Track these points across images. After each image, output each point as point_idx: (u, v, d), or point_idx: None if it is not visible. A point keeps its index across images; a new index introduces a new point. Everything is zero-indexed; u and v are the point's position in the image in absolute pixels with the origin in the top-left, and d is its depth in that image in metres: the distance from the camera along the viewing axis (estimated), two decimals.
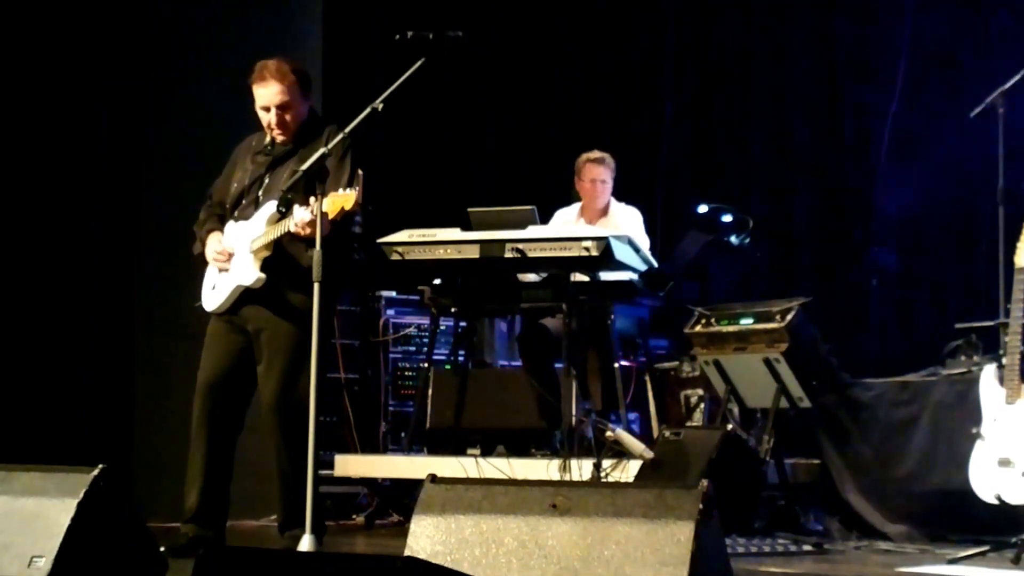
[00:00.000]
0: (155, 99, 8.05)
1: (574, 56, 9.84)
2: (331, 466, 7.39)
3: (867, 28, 8.79)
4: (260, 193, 5.61)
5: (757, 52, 9.30)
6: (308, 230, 5.24)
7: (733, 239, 8.16)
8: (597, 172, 7.60)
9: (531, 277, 7.29)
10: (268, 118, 5.58)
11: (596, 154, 7.65)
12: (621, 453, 6.38)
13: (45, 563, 3.86)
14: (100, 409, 7.90)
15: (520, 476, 6.52)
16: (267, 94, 5.56)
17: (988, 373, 5.71)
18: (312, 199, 5.22)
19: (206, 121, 7.56)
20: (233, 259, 5.59)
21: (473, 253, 6.90)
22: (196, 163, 6.45)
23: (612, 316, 7.08)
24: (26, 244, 7.71)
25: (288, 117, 5.57)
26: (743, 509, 6.25)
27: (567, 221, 7.58)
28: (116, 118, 8.06)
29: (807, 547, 6.17)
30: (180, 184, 7.10)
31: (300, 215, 5.30)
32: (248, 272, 5.53)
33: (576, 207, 7.66)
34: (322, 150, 5.27)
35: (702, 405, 7.46)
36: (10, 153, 7.70)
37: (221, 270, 5.62)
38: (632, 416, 7.42)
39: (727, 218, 8.29)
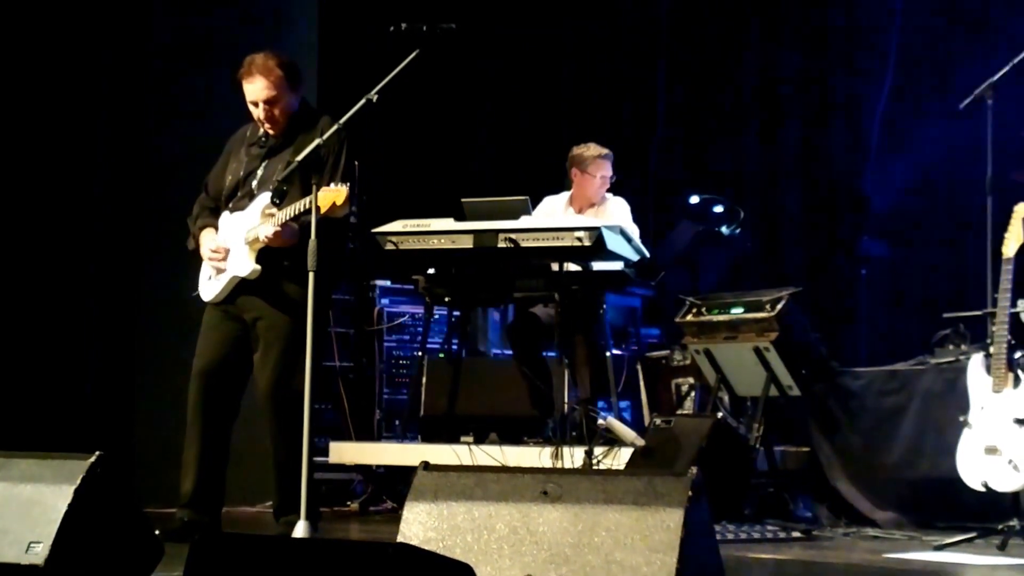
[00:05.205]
0: (153, 93, 8.08)
1: (567, 47, 9.85)
2: (326, 453, 7.45)
3: (857, 19, 8.82)
4: (255, 185, 5.65)
5: (749, 44, 9.32)
6: (277, 242, 5.40)
7: (724, 229, 8.19)
8: (607, 168, 7.55)
9: None
10: (257, 112, 5.62)
11: (604, 150, 7.57)
12: (613, 441, 6.43)
13: (43, 549, 3.87)
14: (100, 396, 7.94)
15: (512, 463, 6.55)
16: (254, 89, 5.59)
17: (976, 362, 5.76)
18: (301, 192, 5.30)
19: (204, 113, 7.59)
20: (229, 251, 5.63)
21: (467, 243, 6.94)
22: (195, 155, 6.48)
23: (604, 305, 7.12)
24: (30, 237, 7.75)
25: (276, 111, 5.60)
26: (733, 496, 6.30)
27: (555, 209, 7.57)
28: (115, 113, 8.09)
29: (796, 534, 6.20)
30: (180, 176, 7.14)
31: (264, 231, 5.40)
32: (244, 263, 5.57)
33: (565, 196, 7.65)
34: (316, 141, 5.31)
35: (693, 393, 7.50)
36: (14, 150, 7.73)
37: (219, 271, 5.67)
38: (623, 404, 7.46)
39: (718, 208, 8.32)
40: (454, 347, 7.67)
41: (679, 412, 7.38)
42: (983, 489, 5.63)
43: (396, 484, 7.38)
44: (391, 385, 8.23)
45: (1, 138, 7.71)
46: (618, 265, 7.09)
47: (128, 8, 8.09)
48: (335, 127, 5.36)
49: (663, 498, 3.44)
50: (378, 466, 7.59)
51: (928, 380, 6.54)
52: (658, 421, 6.47)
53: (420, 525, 3.64)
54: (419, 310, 8.07)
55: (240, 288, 5.64)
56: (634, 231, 7.21)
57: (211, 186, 5.82)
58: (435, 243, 7.01)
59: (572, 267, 7.10)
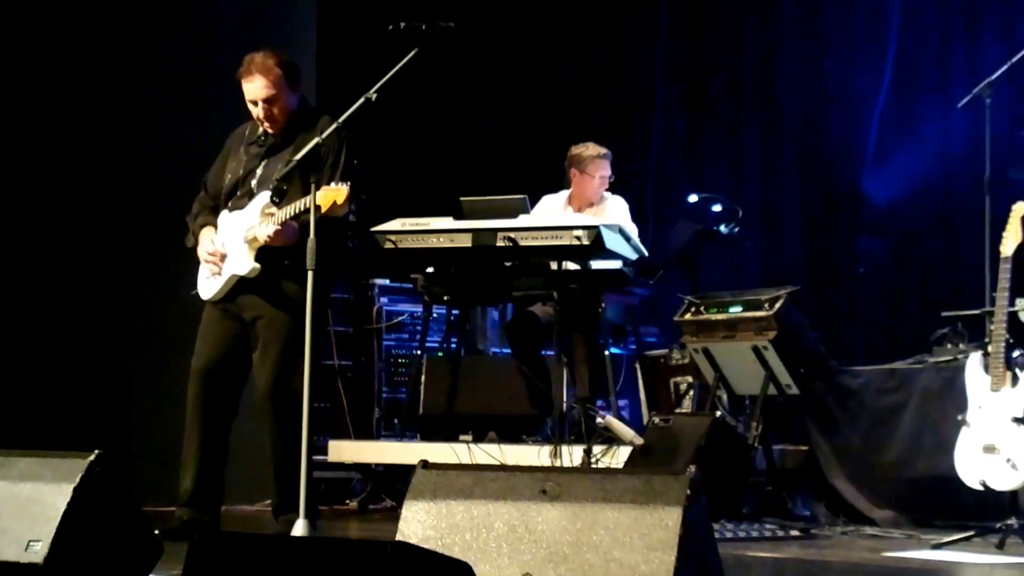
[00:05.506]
0: (153, 92, 8.09)
1: (567, 45, 9.86)
2: (325, 451, 7.46)
3: (856, 18, 8.83)
4: (254, 183, 5.65)
5: (748, 42, 9.34)
6: (277, 241, 5.40)
7: (723, 228, 8.19)
8: (605, 168, 7.55)
9: None
10: (256, 111, 5.63)
11: (603, 149, 7.57)
12: (611, 439, 6.44)
13: (42, 547, 3.87)
14: (99, 395, 7.95)
15: (511, 462, 6.57)
16: (253, 88, 5.60)
17: (974, 361, 5.77)
18: (302, 191, 5.31)
19: (203, 112, 7.60)
20: (228, 248, 5.64)
21: (465, 242, 6.96)
22: (194, 154, 6.49)
23: (603, 304, 7.13)
24: (31, 237, 7.76)
25: (276, 110, 5.61)
26: (731, 495, 6.31)
27: (554, 208, 7.58)
28: (115, 113, 8.10)
29: (794, 532, 6.21)
30: (179, 175, 7.14)
31: (264, 231, 5.41)
32: (243, 262, 5.58)
33: (564, 194, 7.65)
34: (316, 140, 5.32)
35: (691, 392, 7.51)
36: (15, 150, 7.74)
37: (213, 273, 5.67)
38: (622, 403, 7.47)
39: (717, 207, 8.31)
40: (453, 346, 7.68)
41: (678, 411, 7.39)
42: (981, 488, 5.64)
43: (395, 483, 7.39)
44: (390, 384, 8.24)
45: (1, 138, 7.72)
46: (617, 264, 7.10)
47: (128, 8, 8.10)
48: (334, 126, 5.37)
49: (662, 497, 3.44)
50: (377, 464, 7.60)
51: (926, 379, 6.55)
52: (657, 420, 6.48)
53: (419, 524, 3.64)
54: (418, 309, 8.08)
55: (239, 287, 5.64)
56: (633, 230, 7.22)
57: (210, 184, 5.83)
58: (434, 242, 7.03)
59: (571, 266, 7.11)
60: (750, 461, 6.60)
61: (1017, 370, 5.63)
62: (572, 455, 6.50)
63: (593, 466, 6.34)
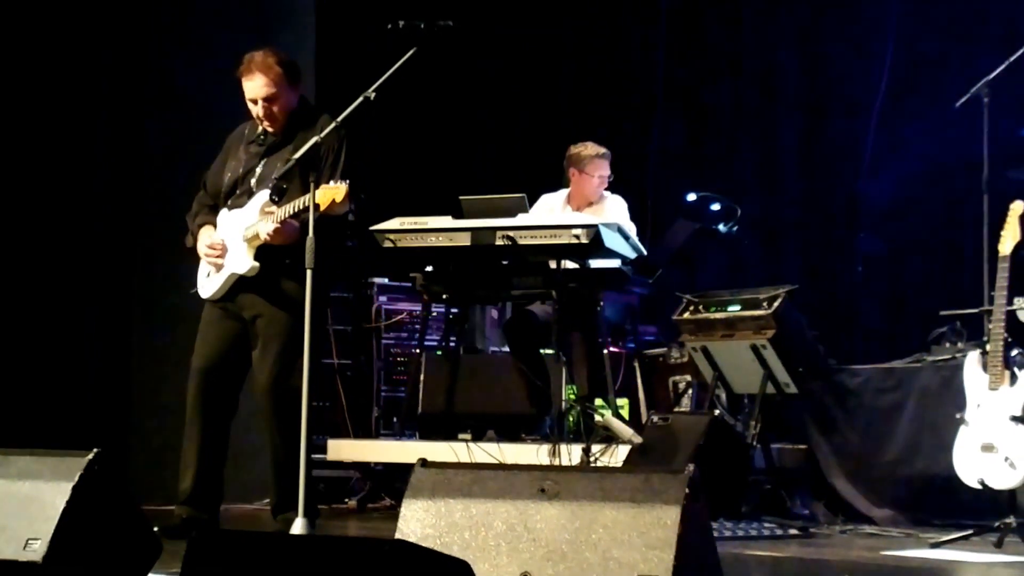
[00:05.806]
0: (153, 92, 8.10)
1: (567, 45, 9.86)
2: (324, 450, 7.46)
3: (855, 19, 8.83)
4: (253, 182, 5.66)
5: (747, 43, 9.34)
6: (277, 239, 5.41)
7: (721, 227, 8.20)
8: (604, 168, 7.54)
9: None
10: (256, 110, 5.64)
11: (602, 149, 7.56)
12: (610, 438, 6.44)
13: (41, 545, 3.87)
14: (98, 393, 7.96)
15: (510, 461, 6.56)
16: (253, 87, 5.61)
17: (972, 360, 5.77)
18: (299, 190, 5.32)
19: (202, 112, 7.59)
20: (227, 247, 5.65)
21: (464, 240, 6.96)
22: (193, 153, 6.50)
23: (601, 303, 7.13)
24: (31, 236, 7.77)
25: (276, 108, 5.62)
26: (730, 493, 6.31)
27: (553, 207, 7.57)
28: (115, 113, 8.11)
29: (793, 531, 6.21)
30: (177, 174, 7.16)
31: (265, 228, 5.42)
32: (242, 260, 5.59)
33: (563, 193, 7.64)
34: (315, 139, 5.33)
35: (690, 391, 7.51)
36: (15, 150, 7.75)
37: (217, 267, 5.68)
38: (621, 402, 7.47)
39: (715, 206, 8.33)
40: (452, 344, 7.68)
41: (676, 409, 7.40)
42: (979, 486, 5.64)
43: (394, 481, 7.39)
44: (389, 382, 8.24)
45: (1, 138, 7.72)
46: (615, 263, 7.10)
47: (128, 8, 8.10)
48: (333, 125, 5.38)
49: (660, 495, 3.44)
50: (376, 463, 7.60)
51: (925, 378, 6.55)
52: (655, 418, 6.48)
53: (418, 522, 3.64)
54: (417, 307, 8.08)
55: (239, 285, 5.65)
56: (631, 229, 7.22)
57: (210, 183, 5.84)
58: (433, 240, 7.03)
59: (569, 264, 7.11)
60: (749, 460, 6.60)
61: (1015, 369, 5.64)
62: (571, 454, 6.50)
63: (592, 465, 6.34)
